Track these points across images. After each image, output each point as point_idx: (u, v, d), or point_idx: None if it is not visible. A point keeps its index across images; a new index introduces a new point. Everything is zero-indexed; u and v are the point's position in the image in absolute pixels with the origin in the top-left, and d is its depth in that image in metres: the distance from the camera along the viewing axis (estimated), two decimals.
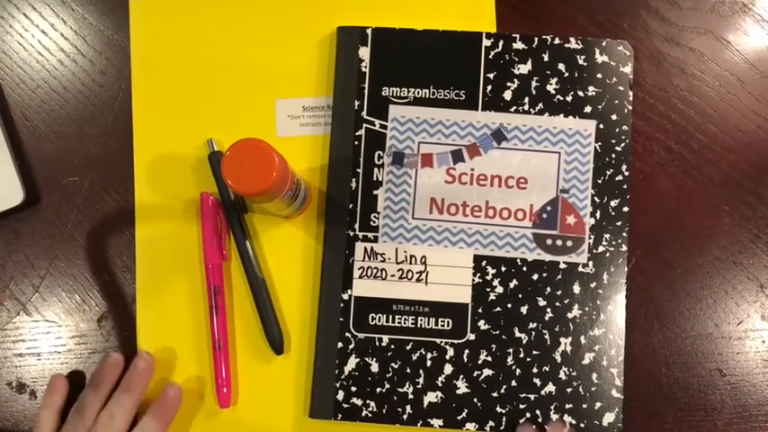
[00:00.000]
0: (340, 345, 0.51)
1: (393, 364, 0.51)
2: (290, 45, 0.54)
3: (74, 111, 0.54)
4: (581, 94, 0.52)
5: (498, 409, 0.50)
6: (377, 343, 0.51)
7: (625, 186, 0.52)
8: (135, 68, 0.54)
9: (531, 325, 0.51)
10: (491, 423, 0.50)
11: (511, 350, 0.51)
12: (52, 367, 0.52)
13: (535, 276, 0.51)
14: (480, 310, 0.51)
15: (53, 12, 0.55)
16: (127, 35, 0.54)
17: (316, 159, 0.53)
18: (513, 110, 0.52)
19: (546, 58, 0.53)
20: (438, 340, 0.51)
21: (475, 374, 0.51)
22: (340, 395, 0.50)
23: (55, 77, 0.54)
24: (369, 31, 0.53)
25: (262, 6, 0.54)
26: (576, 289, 0.51)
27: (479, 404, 0.50)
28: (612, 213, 0.52)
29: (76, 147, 0.54)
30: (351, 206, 0.52)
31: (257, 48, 0.54)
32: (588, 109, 0.52)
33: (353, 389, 0.50)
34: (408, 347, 0.51)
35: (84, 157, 0.54)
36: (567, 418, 0.50)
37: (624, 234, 0.52)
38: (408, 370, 0.51)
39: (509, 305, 0.51)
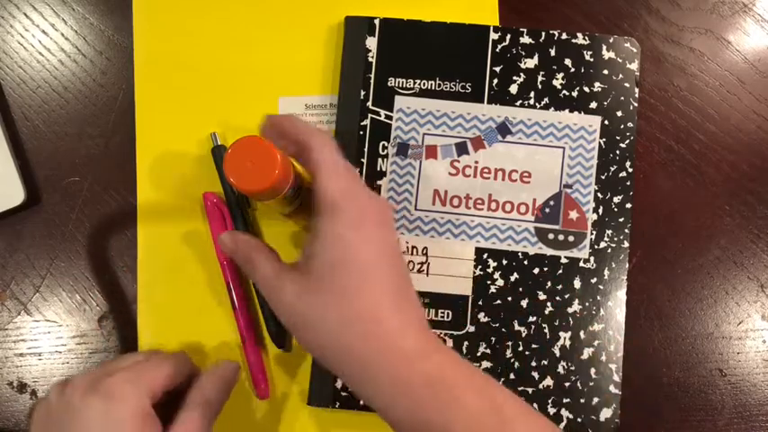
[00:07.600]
0: None
1: None
2: (294, 42, 0.54)
3: (74, 111, 0.54)
4: (587, 89, 0.52)
5: None
6: None
7: (628, 183, 0.52)
8: (138, 65, 0.54)
9: (531, 319, 0.51)
10: None
11: (510, 343, 0.51)
12: (53, 367, 0.52)
13: (536, 270, 0.51)
14: (480, 303, 0.51)
15: (54, 12, 0.55)
16: (128, 35, 0.54)
17: None
18: (518, 104, 0.52)
19: (553, 52, 0.53)
20: (438, 331, 0.51)
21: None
22: (338, 383, 0.50)
23: (55, 77, 0.54)
24: (377, 22, 0.53)
25: (267, 2, 0.54)
26: (577, 284, 0.51)
27: None
28: (615, 210, 0.52)
29: (77, 147, 0.54)
30: None
31: (261, 45, 0.54)
32: (594, 105, 0.52)
33: None
34: None
35: (85, 158, 0.54)
36: (563, 412, 0.50)
37: (626, 230, 0.51)
38: None
39: (509, 298, 0.51)
